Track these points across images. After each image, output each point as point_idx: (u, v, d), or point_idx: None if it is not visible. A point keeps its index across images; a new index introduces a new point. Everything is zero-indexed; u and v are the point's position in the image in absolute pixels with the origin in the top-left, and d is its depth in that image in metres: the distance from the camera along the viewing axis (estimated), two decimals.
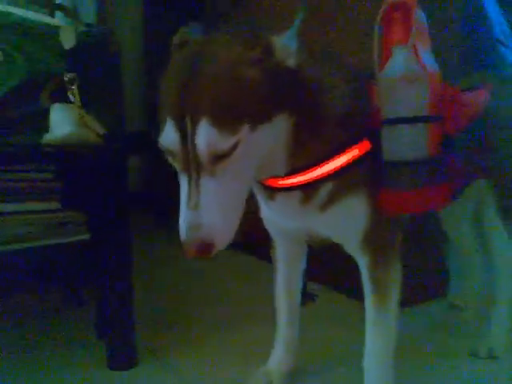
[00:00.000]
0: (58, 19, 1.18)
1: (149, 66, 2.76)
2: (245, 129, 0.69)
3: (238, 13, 2.13)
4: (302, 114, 0.77)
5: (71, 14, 1.23)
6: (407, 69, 0.78)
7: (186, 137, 0.69)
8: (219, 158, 0.69)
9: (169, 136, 0.70)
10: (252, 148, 0.71)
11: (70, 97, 1.19)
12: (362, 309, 1.01)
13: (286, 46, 0.72)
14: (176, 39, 0.78)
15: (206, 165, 0.69)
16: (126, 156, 1.26)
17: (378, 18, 0.81)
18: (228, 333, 1.43)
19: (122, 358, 1.25)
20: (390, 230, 0.95)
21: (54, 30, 1.16)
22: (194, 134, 0.68)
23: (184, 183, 0.71)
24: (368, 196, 0.88)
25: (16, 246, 1.17)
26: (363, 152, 0.85)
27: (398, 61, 0.79)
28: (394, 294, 0.98)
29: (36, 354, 1.32)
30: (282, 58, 0.72)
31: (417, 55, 0.79)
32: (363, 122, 0.86)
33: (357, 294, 1.05)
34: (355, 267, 1.00)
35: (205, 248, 0.70)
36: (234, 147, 0.69)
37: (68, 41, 1.15)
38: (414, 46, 0.79)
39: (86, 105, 1.19)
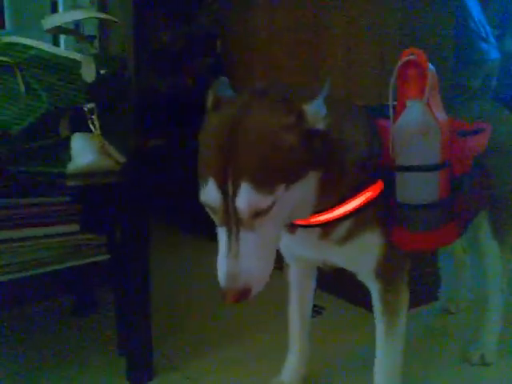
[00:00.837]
0: (78, 53, 1.22)
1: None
2: (281, 188, 0.76)
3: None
4: (328, 168, 0.84)
5: (94, 45, 1.26)
6: (422, 123, 0.86)
7: (227, 196, 0.76)
8: (258, 214, 0.76)
9: (211, 194, 0.76)
10: (287, 203, 0.78)
11: (90, 126, 1.24)
12: (370, 317, 1.11)
13: (316, 112, 0.79)
14: (210, 101, 0.84)
15: (246, 221, 0.76)
16: (146, 181, 1.32)
17: (394, 74, 0.89)
18: (242, 339, 1.52)
19: (142, 371, 1.33)
20: (400, 262, 1.04)
21: (75, 64, 1.20)
22: (235, 195, 0.74)
23: (222, 235, 0.78)
24: (381, 232, 0.96)
25: (35, 271, 1.23)
26: (377, 193, 0.93)
27: (413, 114, 0.87)
28: (402, 315, 1.08)
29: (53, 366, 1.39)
30: (313, 124, 0.79)
31: (430, 109, 0.87)
32: (377, 165, 0.94)
33: (364, 303, 1.14)
34: None
35: (243, 294, 0.77)
36: (272, 205, 0.76)
37: (89, 75, 1.19)
38: (428, 100, 0.87)
39: (105, 133, 1.25)
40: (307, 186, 0.82)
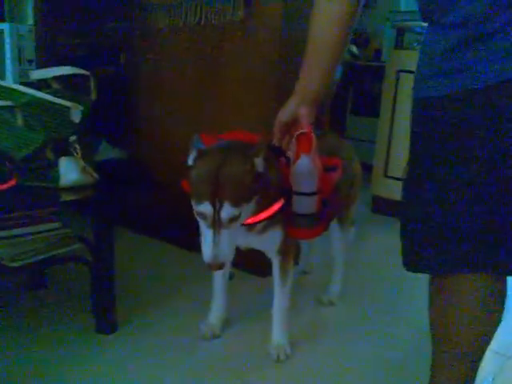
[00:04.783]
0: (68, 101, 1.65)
1: None
2: (244, 205, 1.35)
3: None
4: (262, 193, 1.46)
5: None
6: (308, 169, 1.51)
7: (215, 210, 1.31)
8: (232, 220, 1.34)
9: (206, 208, 1.31)
10: (246, 213, 1.38)
11: (72, 152, 1.70)
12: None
13: (260, 162, 1.39)
14: (195, 152, 1.38)
15: (225, 224, 1.33)
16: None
17: (294, 139, 1.52)
18: (178, 298, 2.10)
19: (108, 324, 1.85)
20: (291, 245, 1.72)
21: (65, 109, 1.65)
22: (220, 209, 1.31)
23: (208, 233, 1.33)
24: (282, 228, 1.63)
25: (36, 258, 1.67)
26: (281, 206, 1.58)
27: (304, 163, 1.51)
28: (291, 275, 1.75)
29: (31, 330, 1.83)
30: (259, 169, 1.40)
31: (313, 160, 1.52)
32: (281, 190, 1.59)
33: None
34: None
35: (220, 265, 1.34)
36: (239, 215, 1.34)
37: (76, 117, 1.65)
38: (314, 154, 1.52)
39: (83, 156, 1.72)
40: (253, 203, 1.43)
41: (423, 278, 1.25)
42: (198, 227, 1.40)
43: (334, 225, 2.05)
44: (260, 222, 1.55)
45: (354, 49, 4.55)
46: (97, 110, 1.88)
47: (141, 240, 2.73)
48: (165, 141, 2.62)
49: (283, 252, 1.70)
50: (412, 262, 1.22)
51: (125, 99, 2.74)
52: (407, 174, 1.22)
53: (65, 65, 1.81)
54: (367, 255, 2.78)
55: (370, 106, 4.29)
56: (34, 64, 2.55)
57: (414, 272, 1.22)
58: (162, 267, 2.46)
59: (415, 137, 1.18)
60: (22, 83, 1.72)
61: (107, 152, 2.44)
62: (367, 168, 3.31)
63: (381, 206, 3.54)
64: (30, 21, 2.59)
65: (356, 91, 4.62)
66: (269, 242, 1.67)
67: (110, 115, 2.61)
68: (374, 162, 3.59)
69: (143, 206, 2.59)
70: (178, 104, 2.55)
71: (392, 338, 1.93)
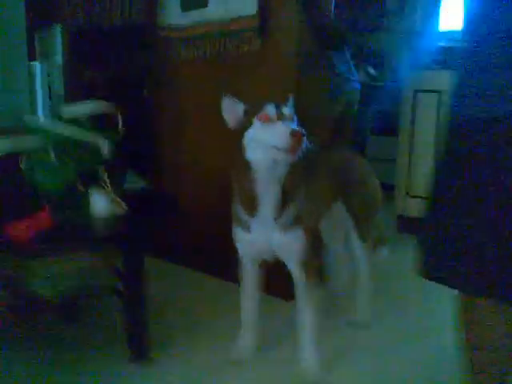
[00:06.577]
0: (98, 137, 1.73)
1: None
2: None
3: None
4: None
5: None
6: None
7: None
8: None
9: None
10: None
11: (102, 184, 1.77)
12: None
13: None
14: None
15: None
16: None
17: None
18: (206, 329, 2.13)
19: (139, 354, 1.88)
20: (313, 258, 1.73)
21: (95, 144, 1.72)
22: None
23: None
24: (304, 231, 1.66)
25: (66, 293, 1.71)
26: None
27: None
28: (315, 292, 1.72)
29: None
30: None
31: None
32: None
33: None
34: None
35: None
36: None
37: (105, 152, 1.73)
38: None
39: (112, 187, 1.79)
40: None
41: (450, 293, 1.26)
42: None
43: (355, 240, 2.08)
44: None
45: (372, 70, 4.61)
46: (123, 142, 1.96)
47: (172, 268, 2.79)
48: (189, 171, 2.70)
49: (305, 264, 1.70)
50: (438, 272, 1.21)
51: (150, 130, 2.84)
52: (437, 189, 1.21)
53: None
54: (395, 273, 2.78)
55: (389, 126, 4.33)
56: (62, 99, 2.68)
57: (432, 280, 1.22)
58: (191, 296, 2.50)
59: (452, 154, 1.17)
60: (53, 120, 1.80)
61: (134, 182, 2.52)
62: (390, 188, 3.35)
63: (406, 225, 3.54)
64: (59, 59, 2.73)
65: (375, 111, 4.66)
66: (290, 246, 1.67)
67: (135, 146, 2.69)
68: (395, 181, 3.61)
69: (172, 234, 2.65)
70: (202, 133, 2.62)
71: (424, 357, 1.92)
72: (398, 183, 3.59)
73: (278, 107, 1.51)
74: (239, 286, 1.87)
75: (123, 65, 2.81)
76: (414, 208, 3.46)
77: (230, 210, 1.70)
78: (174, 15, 2.52)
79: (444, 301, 1.42)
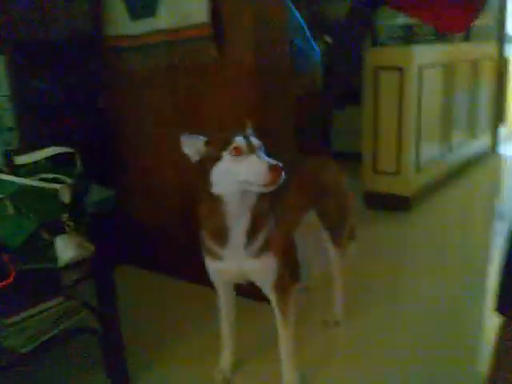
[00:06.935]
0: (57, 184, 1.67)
1: None
2: None
3: None
4: None
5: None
6: None
7: None
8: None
9: None
10: None
11: (66, 229, 1.73)
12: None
13: None
14: None
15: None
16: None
17: None
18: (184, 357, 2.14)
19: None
20: (289, 282, 1.74)
21: (54, 192, 1.67)
22: None
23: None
24: (276, 256, 1.64)
25: (37, 343, 1.66)
26: None
27: None
28: (292, 313, 1.73)
29: None
30: None
31: None
32: None
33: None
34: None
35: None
36: None
37: (67, 198, 1.68)
38: None
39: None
40: None
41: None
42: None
43: (328, 245, 2.12)
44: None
45: (328, 38, 4.56)
46: (83, 154, 1.91)
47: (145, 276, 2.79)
48: (147, 178, 2.67)
49: (279, 289, 1.70)
50: None
51: (107, 140, 2.76)
52: None
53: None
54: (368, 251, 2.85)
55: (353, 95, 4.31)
56: (13, 131, 2.55)
57: None
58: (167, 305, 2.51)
59: None
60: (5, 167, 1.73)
61: (97, 193, 2.47)
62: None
63: (373, 201, 3.59)
64: (5, 90, 2.54)
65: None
66: (263, 271, 1.67)
67: (95, 158, 2.63)
68: (362, 158, 3.63)
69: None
70: (157, 140, 2.57)
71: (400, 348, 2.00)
72: (364, 160, 3.61)
73: (246, 138, 1.47)
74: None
75: (72, 76, 2.69)
76: (381, 184, 3.51)
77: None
78: (123, 24, 2.39)
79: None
